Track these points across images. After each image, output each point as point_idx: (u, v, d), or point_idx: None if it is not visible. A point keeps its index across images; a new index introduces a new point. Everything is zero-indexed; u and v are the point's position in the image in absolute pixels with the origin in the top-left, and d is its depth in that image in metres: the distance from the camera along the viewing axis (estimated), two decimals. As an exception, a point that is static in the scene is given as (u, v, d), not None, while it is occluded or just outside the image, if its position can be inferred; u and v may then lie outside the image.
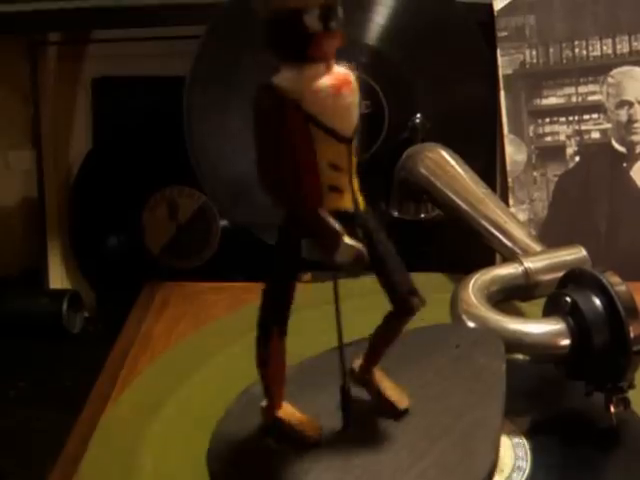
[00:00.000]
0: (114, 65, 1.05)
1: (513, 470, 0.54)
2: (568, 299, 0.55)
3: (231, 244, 1.03)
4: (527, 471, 0.54)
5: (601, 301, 0.55)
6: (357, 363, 0.49)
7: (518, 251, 0.67)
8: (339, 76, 0.41)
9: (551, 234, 0.89)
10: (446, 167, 0.78)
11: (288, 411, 0.49)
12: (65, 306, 0.98)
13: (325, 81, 0.41)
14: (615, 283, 0.55)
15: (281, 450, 0.47)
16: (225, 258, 1.03)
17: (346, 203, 0.43)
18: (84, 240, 1.07)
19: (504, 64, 0.91)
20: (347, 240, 0.42)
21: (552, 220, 0.90)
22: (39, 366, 0.93)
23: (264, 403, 0.49)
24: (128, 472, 0.55)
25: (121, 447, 0.58)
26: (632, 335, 0.53)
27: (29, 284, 1.08)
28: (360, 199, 0.44)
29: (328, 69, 0.41)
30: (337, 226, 0.42)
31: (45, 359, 0.94)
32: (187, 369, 0.65)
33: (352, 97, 0.42)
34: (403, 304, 0.45)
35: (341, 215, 0.43)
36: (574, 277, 0.57)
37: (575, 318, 0.55)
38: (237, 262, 1.03)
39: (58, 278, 1.07)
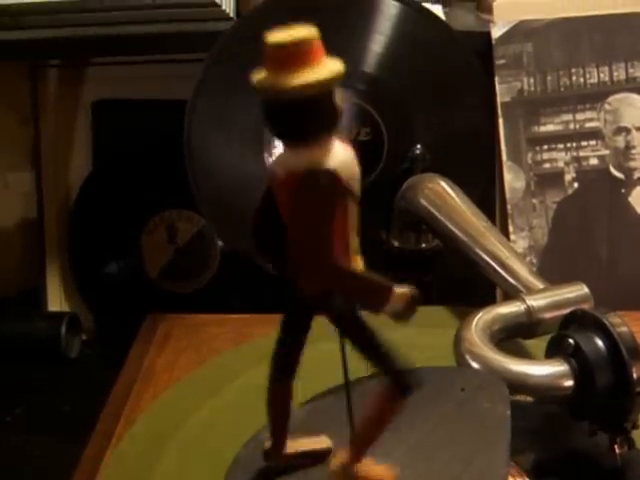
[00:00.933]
0: (114, 88, 1.06)
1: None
2: (571, 341, 0.56)
3: (230, 267, 1.03)
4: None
5: (603, 342, 0.55)
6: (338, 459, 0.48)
7: (520, 287, 0.67)
8: (348, 143, 0.42)
9: (551, 261, 0.90)
10: (446, 199, 0.78)
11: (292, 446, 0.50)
12: (64, 329, 0.98)
13: (350, 152, 0.41)
14: (617, 324, 0.55)
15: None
16: (224, 281, 1.04)
17: (361, 262, 0.44)
18: (83, 262, 1.07)
19: (502, 92, 0.91)
20: (398, 290, 0.42)
21: (552, 247, 0.90)
22: (36, 391, 0.93)
23: (267, 445, 0.50)
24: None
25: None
26: (635, 376, 0.54)
27: (27, 306, 1.08)
28: None
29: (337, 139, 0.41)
30: (385, 281, 0.42)
31: (42, 384, 0.94)
32: (189, 408, 0.65)
33: None
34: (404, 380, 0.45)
35: None
36: (576, 318, 0.58)
37: (578, 360, 0.55)
38: (236, 285, 1.03)
39: (57, 299, 1.08)
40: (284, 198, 0.41)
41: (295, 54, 0.38)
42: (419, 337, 0.72)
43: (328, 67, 0.38)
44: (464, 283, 0.81)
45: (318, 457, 0.50)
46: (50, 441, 0.83)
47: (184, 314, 0.83)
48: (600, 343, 0.55)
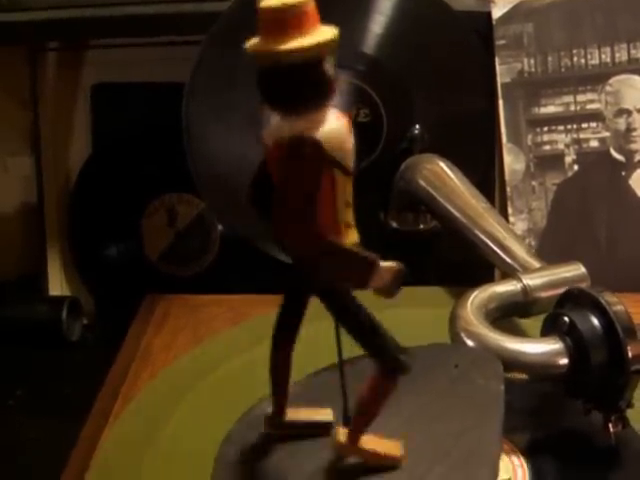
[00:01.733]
0: (113, 71, 1.05)
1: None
2: (566, 319, 0.56)
3: (230, 250, 1.04)
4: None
5: (599, 321, 0.55)
6: (342, 433, 0.48)
7: (517, 267, 0.67)
8: (344, 115, 0.42)
9: (550, 243, 0.90)
10: (445, 179, 0.78)
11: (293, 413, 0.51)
12: (65, 313, 0.98)
13: (342, 124, 0.41)
14: (613, 303, 0.55)
15: (284, 473, 0.48)
16: (224, 264, 1.04)
17: (355, 236, 0.44)
18: (83, 246, 1.07)
19: (502, 73, 0.91)
20: (383, 264, 0.42)
21: (551, 229, 0.90)
22: (38, 374, 0.93)
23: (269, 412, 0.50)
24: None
25: (123, 466, 0.58)
26: (630, 355, 0.53)
27: (28, 290, 1.08)
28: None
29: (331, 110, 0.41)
30: (369, 254, 0.42)
31: (43, 367, 0.94)
32: (188, 385, 0.66)
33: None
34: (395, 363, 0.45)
35: None
36: (572, 297, 0.58)
37: (573, 338, 0.55)
38: (236, 268, 1.03)
39: (57, 283, 1.08)
40: (273, 166, 0.41)
41: (288, 19, 0.37)
42: (415, 316, 0.73)
43: (321, 33, 0.38)
44: (462, 264, 0.81)
45: (318, 428, 0.50)
46: (51, 423, 0.83)
47: (182, 294, 0.83)
48: (595, 321, 0.55)
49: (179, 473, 0.57)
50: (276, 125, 0.41)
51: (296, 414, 0.51)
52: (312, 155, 0.40)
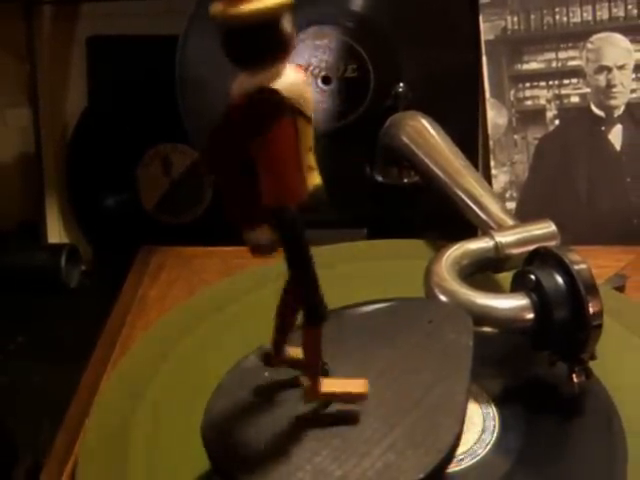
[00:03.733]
0: (109, 24, 1.06)
1: (482, 433, 0.58)
2: (532, 276, 0.59)
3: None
4: (495, 436, 0.57)
5: (563, 279, 0.58)
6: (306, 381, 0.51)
7: (492, 224, 0.70)
8: (300, 68, 0.44)
9: (532, 196, 0.92)
10: (426, 136, 0.80)
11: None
12: (64, 260, 1.00)
13: (301, 75, 0.44)
14: (576, 262, 0.57)
15: (270, 421, 0.51)
16: (218, 212, 1.06)
17: (317, 179, 0.47)
18: (81, 195, 1.09)
19: (486, 30, 0.93)
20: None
21: (533, 182, 0.93)
22: (38, 320, 0.95)
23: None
24: (128, 437, 0.59)
25: (120, 412, 0.61)
26: (591, 311, 0.56)
27: (27, 238, 1.10)
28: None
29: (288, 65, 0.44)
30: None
31: (43, 313, 0.96)
32: (180, 336, 0.68)
33: None
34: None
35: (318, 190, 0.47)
36: (539, 255, 0.60)
37: (538, 294, 0.58)
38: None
39: (56, 232, 1.10)
40: (236, 117, 0.43)
41: None
42: (398, 267, 0.75)
43: None
44: (445, 218, 0.84)
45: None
46: (51, 367, 0.85)
47: (176, 246, 0.85)
48: (559, 279, 0.58)
49: (172, 423, 0.60)
50: (241, 80, 0.43)
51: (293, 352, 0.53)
52: (271, 102, 0.42)
